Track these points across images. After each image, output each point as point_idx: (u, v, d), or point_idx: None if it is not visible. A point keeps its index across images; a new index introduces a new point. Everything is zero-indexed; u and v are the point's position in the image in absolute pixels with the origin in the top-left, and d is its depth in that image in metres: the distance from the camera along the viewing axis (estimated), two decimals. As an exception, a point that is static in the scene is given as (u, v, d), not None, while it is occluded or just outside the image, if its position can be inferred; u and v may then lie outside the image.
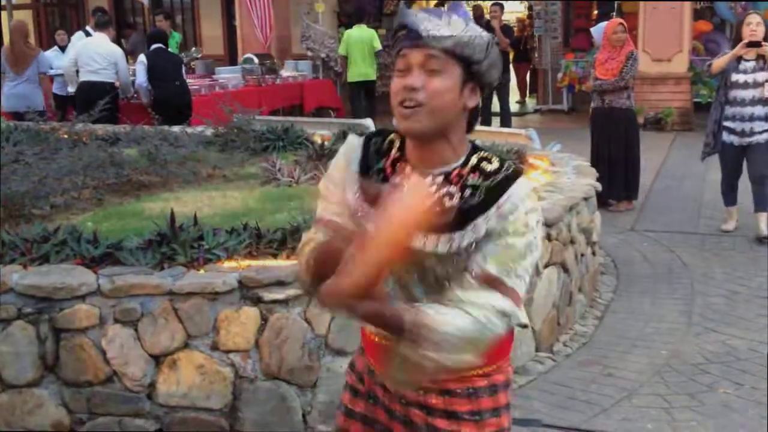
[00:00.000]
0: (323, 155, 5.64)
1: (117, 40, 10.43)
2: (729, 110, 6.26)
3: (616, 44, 7.19)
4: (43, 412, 3.35)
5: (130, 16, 18.37)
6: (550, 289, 4.37)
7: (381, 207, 1.55)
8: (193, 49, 14.29)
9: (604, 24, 7.86)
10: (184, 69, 9.53)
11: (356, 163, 1.79)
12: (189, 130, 6.77)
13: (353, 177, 1.78)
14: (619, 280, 5.57)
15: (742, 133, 6.25)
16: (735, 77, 6.22)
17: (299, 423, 3.37)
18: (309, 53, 13.92)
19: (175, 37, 11.88)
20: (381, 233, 1.50)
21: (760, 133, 6.20)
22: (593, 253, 5.27)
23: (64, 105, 9.30)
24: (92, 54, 8.76)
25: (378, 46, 11.61)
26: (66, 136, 6.32)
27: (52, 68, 9.63)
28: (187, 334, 3.32)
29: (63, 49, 10.20)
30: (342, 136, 6.05)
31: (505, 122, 11.58)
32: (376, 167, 1.77)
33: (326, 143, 6.14)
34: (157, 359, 3.33)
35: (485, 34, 1.69)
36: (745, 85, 6.21)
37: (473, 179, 1.68)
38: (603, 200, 6.49)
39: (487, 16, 12.78)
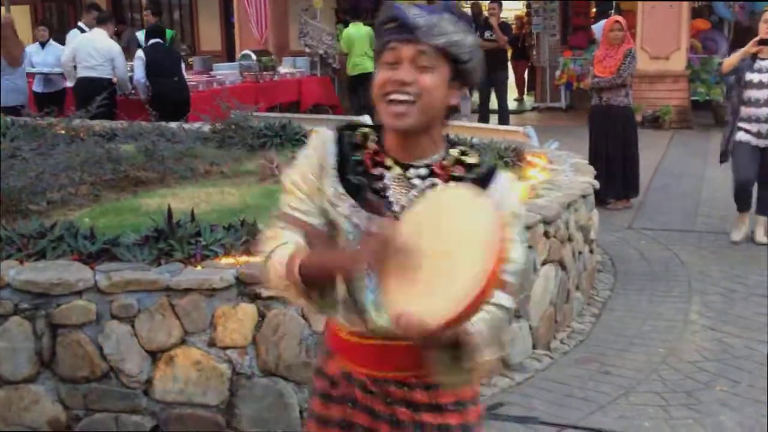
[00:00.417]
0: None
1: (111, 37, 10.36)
2: (744, 111, 6.03)
3: (613, 42, 7.18)
4: (39, 409, 3.34)
5: (128, 12, 18.34)
6: (548, 286, 4.37)
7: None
8: (182, 47, 14.24)
9: (604, 21, 7.87)
10: (183, 65, 9.49)
11: (332, 157, 1.77)
12: (186, 126, 6.76)
13: (332, 172, 1.75)
14: (616, 278, 5.57)
15: (758, 135, 6.01)
16: (750, 77, 5.99)
17: (296, 419, 3.37)
18: (307, 50, 13.90)
19: (168, 33, 11.78)
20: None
21: None
22: (591, 251, 5.27)
23: (42, 103, 9.09)
24: (90, 50, 8.75)
25: None
26: (63, 131, 6.30)
27: (33, 66, 9.58)
28: (184, 330, 3.31)
29: (43, 45, 10.01)
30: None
31: (503, 120, 11.56)
32: (353, 160, 1.76)
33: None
34: (154, 355, 3.33)
35: (472, 35, 1.72)
36: (760, 85, 5.96)
37: (458, 172, 1.74)
38: (601, 198, 6.48)
39: (486, 13, 12.76)
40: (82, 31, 9.69)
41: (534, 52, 15.55)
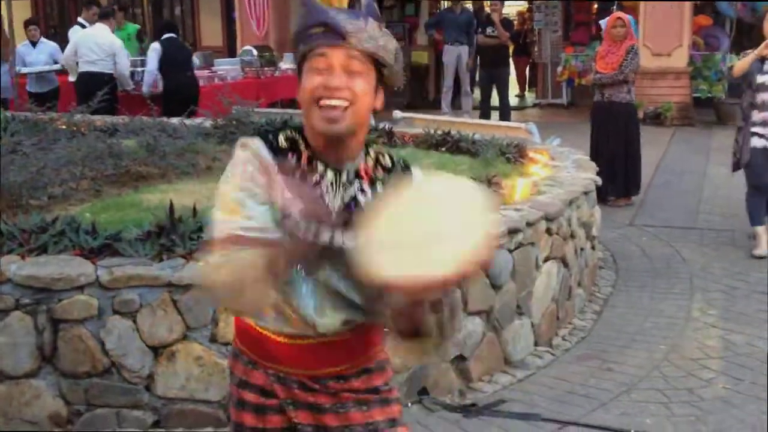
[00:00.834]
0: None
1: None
2: (757, 115, 5.72)
3: (615, 38, 7.17)
4: (40, 404, 3.34)
5: (129, 7, 18.29)
6: (550, 283, 4.37)
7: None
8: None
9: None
10: (194, 61, 9.46)
11: (272, 164, 1.71)
12: (188, 121, 6.75)
13: (278, 177, 1.69)
14: (618, 275, 5.56)
15: None
16: (761, 79, 5.71)
17: (298, 415, 3.36)
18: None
19: (128, 29, 11.61)
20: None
21: None
22: (593, 248, 5.26)
23: (40, 103, 9.04)
24: (91, 45, 8.73)
25: None
26: (64, 126, 6.30)
27: (25, 64, 9.56)
28: (185, 325, 3.31)
29: (34, 44, 9.93)
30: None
31: (505, 116, 11.56)
32: (291, 166, 1.73)
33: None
34: (156, 351, 3.32)
35: (393, 39, 1.75)
36: None
37: (379, 174, 1.79)
38: (602, 196, 6.45)
39: (488, 10, 12.75)
40: (83, 26, 9.67)
41: (536, 49, 15.53)
